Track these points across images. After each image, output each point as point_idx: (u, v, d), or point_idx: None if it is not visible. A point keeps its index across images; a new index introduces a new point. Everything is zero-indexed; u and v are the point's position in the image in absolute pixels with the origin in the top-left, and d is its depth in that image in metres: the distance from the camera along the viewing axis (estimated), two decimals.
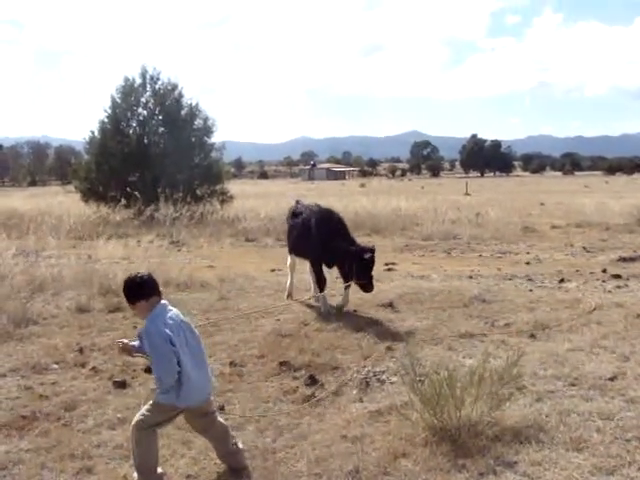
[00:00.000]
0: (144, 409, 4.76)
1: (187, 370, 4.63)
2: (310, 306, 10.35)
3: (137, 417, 4.73)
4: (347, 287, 10.01)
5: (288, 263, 11.62)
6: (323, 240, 10.11)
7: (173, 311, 4.82)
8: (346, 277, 9.99)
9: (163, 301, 4.83)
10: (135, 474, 4.67)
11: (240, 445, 5.07)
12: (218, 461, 4.99)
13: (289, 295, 11.21)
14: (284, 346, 8.00)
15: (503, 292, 11.16)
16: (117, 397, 6.50)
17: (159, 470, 4.75)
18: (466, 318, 9.36)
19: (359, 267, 9.67)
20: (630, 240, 18.91)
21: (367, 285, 9.85)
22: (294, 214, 11.35)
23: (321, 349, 7.93)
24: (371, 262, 9.80)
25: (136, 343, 4.88)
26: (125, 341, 4.99)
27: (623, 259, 14.97)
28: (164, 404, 4.68)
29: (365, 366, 7.29)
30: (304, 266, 11.28)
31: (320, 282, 10.35)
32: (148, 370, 7.22)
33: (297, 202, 11.87)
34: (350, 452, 5.16)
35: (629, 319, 8.96)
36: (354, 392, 6.55)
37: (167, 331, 4.61)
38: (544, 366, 7.09)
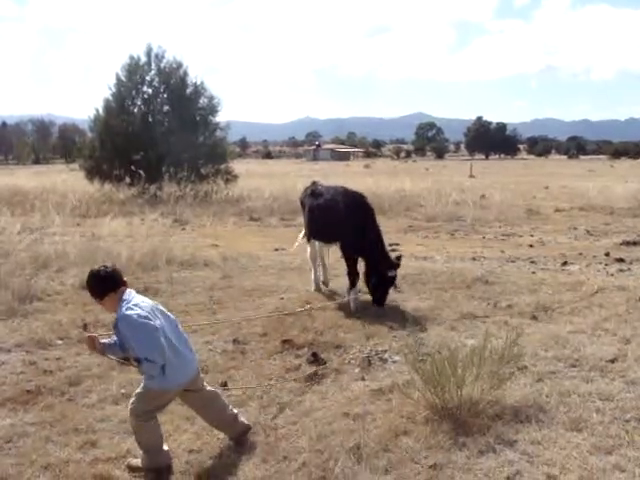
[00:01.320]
0: (135, 397, 4.72)
1: (167, 350, 4.59)
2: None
3: (130, 405, 4.73)
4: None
5: (309, 252, 10.62)
6: (354, 228, 9.25)
7: (141, 297, 4.80)
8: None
9: (129, 289, 4.77)
10: (141, 453, 4.70)
11: (234, 411, 5.14)
12: (221, 436, 5.04)
13: (324, 283, 10.39)
14: (287, 325, 8.04)
15: (506, 274, 11.19)
16: (121, 373, 6.54)
17: (164, 447, 4.79)
18: (468, 299, 9.39)
19: (380, 280, 8.99)
20: (634, 224, 18.89)
21: (379, 299, 9.08)
22: (313, 194, 10.32)
23: (324, 328, 7.97)
24: (393, 280, 9.10)
25: (107, 340, 4.83)
26: (95, 335, 4.88)
27: (626, 243, 14.97)
28: (154, 389, 4.66)
29: (368, 345, 7.33)
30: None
31: (352, 275, 9.39)
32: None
33: (314, 182, 11.02)
34: (351, 429, 5.21)
35: (631, 302, 8.99)
36: (356, 370, 6.60)
37: (143, 311, 4.58)
38: (545, 347, 7.12)
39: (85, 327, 8.01)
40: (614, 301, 9.09)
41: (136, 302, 4.64)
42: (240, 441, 5.02)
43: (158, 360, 4.49)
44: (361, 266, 9.33)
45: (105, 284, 4.67)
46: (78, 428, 5.28)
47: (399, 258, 9.30)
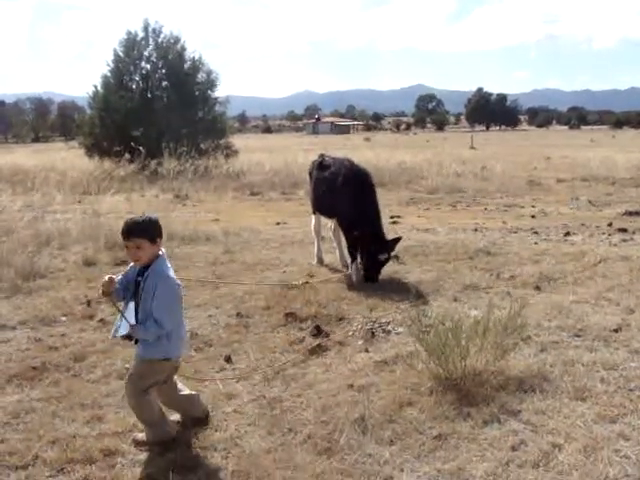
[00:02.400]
0: (134, 372, 4.64)
1: (181, 319, 4.70)
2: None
3: (128, 385, 4.63)
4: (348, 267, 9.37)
5: (312, 224, 10.65)
6: (351, 204, 9.19)
7: None
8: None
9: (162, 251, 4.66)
10: (145, 428, 4.69)
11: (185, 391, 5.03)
12: (226, 409, 5.05)
13: (319, 261, 10.29)
14: (290, 298, 8.04)
15: (508, 245, 11.19)
16: (125, 348, 6.53)
17: (172, 417, 4.83)
18: (471, 270, 9.38)
19: (371, 261, 8.93)
20: (636, 194, 18.90)
21: (371, 279, 8.98)
22: (321, 166, 10.24)
23: (327, 300, 7.97)
24: (385, 262, 9.04)
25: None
26: (115, 278, 4.60)
27: (629, 213, 14.97)
28: (155, 358, 4.59)
29: (371, 317, 7.34)
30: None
31: (352, 249, 9.30)
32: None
33: (322, 155, 10.77)
34: (356, 401, 5.22)
35: (634, 272, 8.99)
36: (360, 342, 6.60)
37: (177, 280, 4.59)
38: (549, 317, 7.13)
39: (89, 303, 8.02)
40: (617, 271, 9.09)
41: (170, 267, 4.63)
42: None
43: (167, 327, 4.47)
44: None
45: (144, 228, 4.51)
46: (84, 403, 5.30)
47: (396, 240, 9.16)
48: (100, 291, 4.58)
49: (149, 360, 4.60)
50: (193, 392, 5.07)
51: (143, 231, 4.50)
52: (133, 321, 4.53)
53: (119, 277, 4.64)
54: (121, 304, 4.68)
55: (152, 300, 4.45)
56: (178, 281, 4.62)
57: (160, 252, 4.58)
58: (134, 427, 4.85)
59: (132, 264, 4.68)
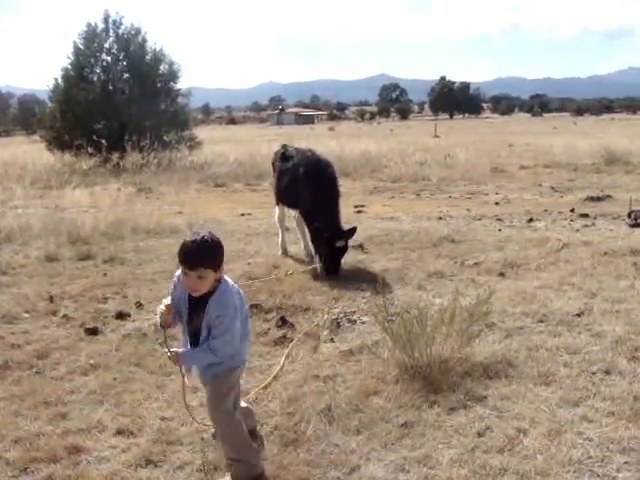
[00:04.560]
0: (212, 397, 4.04)
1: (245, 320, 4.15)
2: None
3: (213, 411, 4.05)
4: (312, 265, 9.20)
5: (276, 215, 10.56)
6: (310, 195, 9.15)
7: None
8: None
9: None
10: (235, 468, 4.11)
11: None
12: (192, 402, 5.02)
13: (284, 252, 10.21)
14: (255, 289, 8.01)
15: (472, 232, 11.25)
16: (89, 344, 6.49)
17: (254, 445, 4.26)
18: (436, 258, 9.42)
19: (329, 253, 8.79)
20: (598, 180, 19.10)
21: (331, 271, 8.81)
22: (283, 157, 10.21)
23: (292, 291, 7.96)
24: (343, 250, 8.93)
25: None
26: (171, 305, 3.97)
27: (591, 198, 15.14)
28: (227, 370, 4.02)
29: (336, 307, 7.35)
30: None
31: (315, 240, 9.20)
32: (120, 316, 7.24)
33: (284, 146, 10.74)
34: (322, 391, 5.22)
35: (596, 257, 9.08)
36: (325, 333, 6.60)
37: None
38: (513, 303, 7.18)
39: (51, 299, 7.92)
40: (580, 256, 9.18)
41: (235, 289, 4.04)
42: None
43: (220, 357, 3.92)
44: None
45: (214, 255, 3.85)
46: (47, 401, 5.22)
47: (353, 230, 9.13)
48: (159, 323, 3.99)
49: (228, 371, 4.04)
50: (247, 405, 4.69)
51: (210, 259, 3.82)
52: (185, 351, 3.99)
53: (168, 301, 3.99)
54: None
55: (212, 328, 3.88)
56: (240, 291, 4.11)
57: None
58: (99, 424, 4.81)
59: (176, 280, 4.03)
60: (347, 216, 10.88)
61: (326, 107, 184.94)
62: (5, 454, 4.40)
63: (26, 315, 7.47)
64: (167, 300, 3.97)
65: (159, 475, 4.14)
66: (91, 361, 6.02)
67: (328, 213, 9.04)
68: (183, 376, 4.10)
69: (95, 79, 28.41)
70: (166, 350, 3.94)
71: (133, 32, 28.62)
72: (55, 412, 5.02)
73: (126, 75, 28.68)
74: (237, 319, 3.94)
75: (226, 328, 3.86)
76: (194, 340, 3.99)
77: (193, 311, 3.95)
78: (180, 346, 4.06)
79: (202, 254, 3.77)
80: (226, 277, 3.99)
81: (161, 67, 29.02)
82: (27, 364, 6.02)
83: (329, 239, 8.76)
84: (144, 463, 4.28)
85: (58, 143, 27.57)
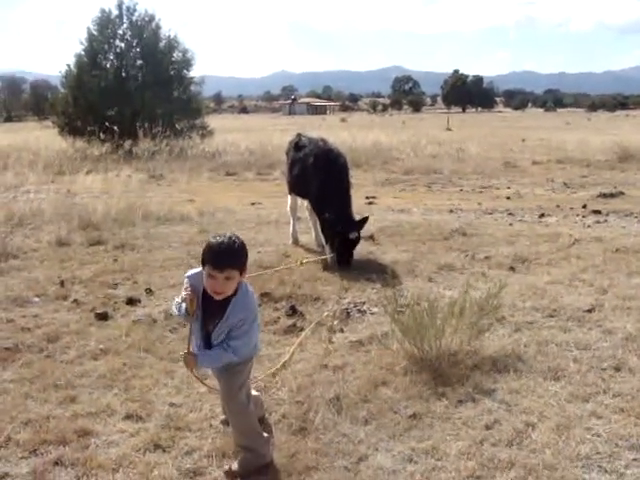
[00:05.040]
0: (227, 389, 4.07)
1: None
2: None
3: (228, 402, 4.11)
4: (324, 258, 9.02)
5: (288, 205, 10.60)
6: (321, 185, 9.13)
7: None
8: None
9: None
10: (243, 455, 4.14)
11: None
12: (201, 389, 5.03)
13: (294, 241, 10.22)
14: (265, 278, 8.01)
15: (483, 226, 11.23)
16: (99, 329, 6.51)
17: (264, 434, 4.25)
18: (446, 251, 9.40)
19: (341, 245, 8.75)
20: (611, 176, 19.00)
21: (343, 262, 8.76)
22: (296, 147, 10.15)
23: (302, 280, 7.95)
24: (356, 242, 8.85)
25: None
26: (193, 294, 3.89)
27: (603, 195, 15.04)
28: (246, 357, 4.03)
29: (346, 297, 7.35)
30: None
31: (325, 230, 9.15)
32: (130, 302, 7.26)
33: (298, 135, 10.66)
34: (331, 381, 5.23)
35: (607, 253, 9.05)
36: (335, 322, 6.61)
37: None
38: (523, 298, 7.17)
39: (62, 284, 7.94)
40: (591, 252, 9.15)
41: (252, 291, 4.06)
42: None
43: (241, 356, 3.93)
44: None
45: (242, 258, 3.82)
46: (57, 384, 5.25)
47: (365, 220, 9.08)
48: (183, 308, 3.90)
49: (240, 363, 4.02)
50: (257, 393, 4.69)
51: (239, 260, 3.80)
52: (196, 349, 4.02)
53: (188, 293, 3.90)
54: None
55: (233, 330, 3.88)
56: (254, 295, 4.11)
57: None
58: (107, 407, 4.83)
59: (187, 282, 3.95)
60: (358, 207, 10.84)
61: (338, 98, 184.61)
62: (15, 436, 4.42)
63: (37, 299, 7.49)
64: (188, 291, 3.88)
65: (167, 460, 4.16)
66: (101, 346, 6.04)
67: (338, 203, 9.00)
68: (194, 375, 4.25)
69: (108, 65, 28.41)
70: (184, 352, 3.98)
71: (147, 19, 28.59)
72: (65, 395, 5.04)
73: (139, 62, 28.66)
74: (257, 320, 4.01)
75: (247, 330, 3.89)
76: (206, 342, 3.99)
77: (207, 314, 3.93)
78: (192, 347, 4.05)
79: (232, 255, 3.74)
80: (248, 285, 3.99)
81: (174, 54, 28.98)
82: (37, 347, 6.05)
83: (342, 231, 8.71)
84: (152, 448, 4.30)
85: (70, 129, 27.59)
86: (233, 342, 3.86)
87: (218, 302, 3.85)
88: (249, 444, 4.11)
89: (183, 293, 3.90)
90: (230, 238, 3.76)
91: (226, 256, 3.72)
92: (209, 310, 3.92)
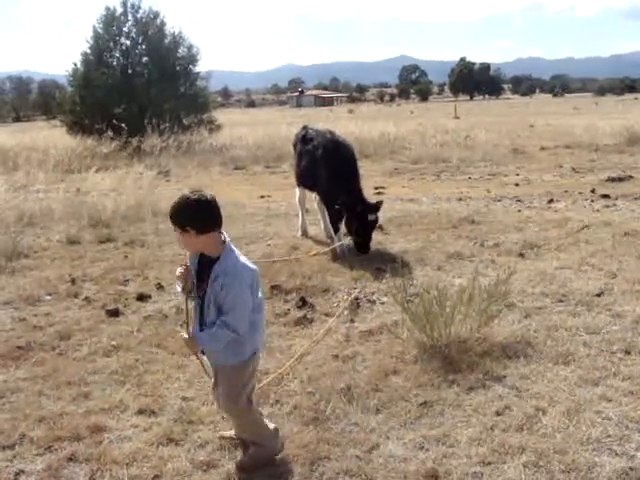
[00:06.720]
0: (225, 387, 3.99)
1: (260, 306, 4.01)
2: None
3: (226, 403, 4.04)
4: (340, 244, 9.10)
5: (297, 197, 10.65)
6: (330, 176, 9.16)
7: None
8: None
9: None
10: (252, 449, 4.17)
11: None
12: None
13: (303, 233, 10.30)
14: (275, 270, 8.04)
15: (492, 213, 11.22)
16: (110, 325, 6.56)
17: (271, 426, 4.22)
18: (455, 239, 9.41)
19: (360, 226, 8.81)
20: (619, 160, 18.91)
21: (363, 246, 8.88)
22: (304, 139, 10.14)
23: (312, 272, 7.98)
24: (374, 223, 8.96)
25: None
26: (190, 268, 3.93)
27: (612, 179, 14.99)
28: (244, 361, 3.95)
29: (356, 288, 7.37)
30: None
31: (334, 221, 9.31)
32: (141, 298, 7.30)
33: (305, 127, 10.67)
34: (342, 371, 5.26)
35: (617, 237, 9.03)
36: (345, 313, 6.63)
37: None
38: (532, 284, 7.18)
39: (73, 282, 7.99)
40: (600, 237, 9.13)
41: (241, 257, 3.91)
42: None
43: (242, 331, 3.79)
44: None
45: (209, 215, 3.77)
46: (70, 381, 5.29)
47: (379, 203, 9.12)
48: (179, 288, 3.95)
49: (235, 367, 3.96)
50: (273, 425, 4.42)
51: (177, 218, 3.80)
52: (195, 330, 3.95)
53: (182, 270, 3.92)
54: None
55: (222, 302, 3.78)
56: (252, 265, 3.93)
57: (230, 244, 3.89)
58: (121, 403, 4.87)
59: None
60: (367, 197, 10.85)
61: (346, 89, 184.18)
62: (29, 433, 4.47)
63: (48, 297, 7.55)
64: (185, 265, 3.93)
65: (180, 453, 4.20)
66: (113, 342, 6.08)
67: (351, 190, 9.00)
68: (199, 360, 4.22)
69: (114, 63, 28.43)
70: (182, 332, 3.99)
71: (152, 15, 28.59)
72: (78, 392, 5.09)
73: (145, 59, 28.67)
74: (245, 290, 3.79)
75: (234, 298, 3.74)
76: (202, 325, 3.94)
77: (200, 278, 3.90)
78: (194, 329, 4.00)
79: (174, 212, 3.79)
80: (237, 251, 3.91)
81: (180, 50, 28.99)
82: (50, 345, 6.10)
83: (361, 212, 8.74)
84: (165, 442, 4.34)
85: (78, 127, 27.63)
86: (225, 317, 3.75)
87: (207, 266, 3.83)
88: (256, 439, 4.14)
89: (177, 271, 3.92)
90: (183, 196, 3.80)
91: (171, 211, 3.81)
92: (201, 274, 3.90)
